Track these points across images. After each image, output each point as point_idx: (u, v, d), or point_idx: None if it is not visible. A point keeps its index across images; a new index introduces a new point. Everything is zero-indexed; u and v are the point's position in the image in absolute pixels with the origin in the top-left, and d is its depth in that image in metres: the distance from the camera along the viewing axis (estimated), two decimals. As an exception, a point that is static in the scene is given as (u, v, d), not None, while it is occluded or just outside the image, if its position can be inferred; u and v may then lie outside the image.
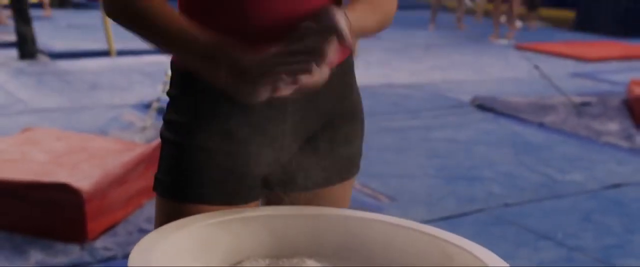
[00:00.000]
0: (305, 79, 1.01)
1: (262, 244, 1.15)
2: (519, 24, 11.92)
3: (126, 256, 2.76)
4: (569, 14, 12.88)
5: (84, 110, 5.18)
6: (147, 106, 4.99)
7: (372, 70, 7.09)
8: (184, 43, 1.10)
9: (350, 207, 1.31)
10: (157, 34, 1.12)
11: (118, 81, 6.29)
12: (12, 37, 7.48)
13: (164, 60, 6.72)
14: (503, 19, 11.61)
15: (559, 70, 7.54)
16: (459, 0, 11.25)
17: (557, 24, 12.72)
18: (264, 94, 1.03)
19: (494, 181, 3.94)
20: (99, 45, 7.79)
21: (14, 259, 2.76)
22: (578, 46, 9.67)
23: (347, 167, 1.29)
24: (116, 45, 7.62)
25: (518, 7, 11.94)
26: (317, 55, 0.99)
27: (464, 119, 5.38)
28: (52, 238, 2.89)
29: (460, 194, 3.72)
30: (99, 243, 2.90)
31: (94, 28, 9.04)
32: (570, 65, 8.13)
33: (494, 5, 10.18)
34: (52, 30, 9.10)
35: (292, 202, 1.26)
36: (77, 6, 12.23)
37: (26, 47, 7.10)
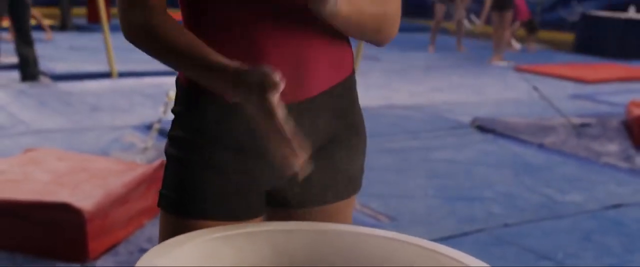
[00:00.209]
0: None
1: (264, 259, 1.16)
2: (518, 46, 11.97)
3: (127, 276, 2.77)
4: (568, 37, 12.94)
5: (85, 131, 5.20)
6: (148, 127, 5.01)
7: (372, 91, 7.12)
8: (200, 64, 1.12)
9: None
10: (173, 55, 1.14)
11: (119, 103, 6.32)
12: (14, 59, 7.52)
13: (165, 82, 6.75)
14: (513, 43, 11.68)
15: (559, 91, 7.57)
16: (458, 22, 11.31)
17: (557, 46, 12.77)
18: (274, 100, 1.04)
19: (494, 201, 3.96)
20: (101, 67, 7.82)
21: (16, 279, 2.76)
22: (577, 68, 9.71)
23: (350, 184, 1.31)
24: (117, 67, 7.66)
25: (517, 29, 12.00)
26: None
27: (464, 140, 5.40)
28: (53, 258, 2.90)
29: (460, 214, 3.73)
30: (100, 263, 2.91)
31: (95, 50, 9.09)
32: (570, 87, 8.16)
33: (494, 28, 10.23)
34: (53, 52, 9.15)
35: (295, 218, 1.28)
36: (79, 28, 12.29)
37: (28, 69, 7.13)
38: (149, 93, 6.67)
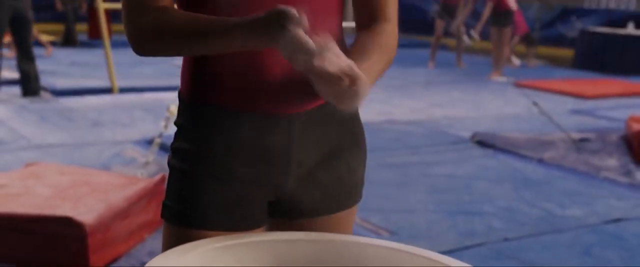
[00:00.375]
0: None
1: (266, 268, 1.17)
2: (517, 62, 12.01)
3: (128, 289, 2.78)
4: (567, 52, 12.98)
5: (86, 146, 5.21)
6: (149, 142, 5.02)
7: (372, 107, 7.14)
8: (213, 28, 1.12)
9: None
10: (188, 36, 1.13)
11: (120, 118, 6.34)
12: (15, 75, 7.55)
13: (166, 97, 6.77)
14: (513, 59, 11.71)
15: (558, 107, 7.59)
16: (458, 38, 11.34)
17: (556, 62, 12.81)
18: (299, 31, 1.03)
19: (494, 216, 3.96)
20: (102, 82, 7.85)
21: (17, 292, 2.76)
22: (577, 84, 9.74)
23: (351, 194, 1.32)
24: (118, 83, 7.68)
25: (516, 44, 12.04)
26: None
27: (464, 154, 5.41)
28: (54, 271, 2.91)
29: (461, 229, 3.74)
30: (101, 276, 2.91)
31: (96, 66, 9.12)
32: (569, 102, 8.18)
33: (493, 44, 10.26)
34: (55, 67, 9.18)
35: (297, 228, 1.29)
36: (80, 44, 12.34)
37: (29, 85, 7.15)
38: (150, 108, 6.69)
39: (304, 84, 1.20)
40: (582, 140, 5.80)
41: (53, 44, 11.45)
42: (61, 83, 7.95)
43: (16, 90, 7.29)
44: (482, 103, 8.06)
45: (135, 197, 3.22)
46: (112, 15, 11.18)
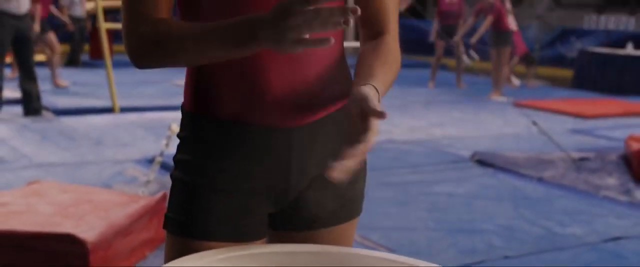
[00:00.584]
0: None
1: (268, 279, 1.19)
2: (517, 82, 12.05)
3: (130, 306, 2.78)
4: (567, 73, 13.03)
5: (87, 165, 5.23)
6: (150, 161, 5.04)
7: (372, 126, 7.16)
8: (211, 35, 1.13)
9: (353, 247, 1.35)
10: (185, 41, 1.15)
11: (122, 137, 6.36)
12: (17, 94, 7.59)
13: (167, 117, 6.79)
14: (513, 80, 11.75)
15: (558, 126, 7.61)
16: (457, 58, 11.39)
17: (556, 82, 12.86)
18: (299, 35, 1.04)
19: (494, 234, 3.97)
20: (103, 102, 7.89)
21: (18, 309, 2.77)
22: (576, 103, 9.77)
23: (352, 207, 1.34)
24: (120, 102, 7.72)
25: (515, 64, 12.08)
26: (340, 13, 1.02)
27: (464, 173, 5.43)
28: (56, 288, 2.92)
29: (461, 247, 3.75)
30: (103, 294, 2.92)
31: (97, 85, 9.16)
32: (569, 122, 8.20)
33: (492, 64, 10.31)
34: (56, 87, 9.23)
35: (297, 240, 1.31)
36: (82, 64, 12.41)
37: (31, 104, 7.19)
38: (151, 127, 6.72)
39: (305, 97, 1.23)
40: (582, 159, 5.82)
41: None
42: (63, 103, 7.99)
43: (18, 109, 7.33)
44: (482, 122, 8.09)
45: (136, 214, 3.24)
46: (113, 36, 11.25)
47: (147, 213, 3.32)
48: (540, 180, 5.26)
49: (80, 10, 11.64)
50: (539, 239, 3.93)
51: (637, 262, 3.65)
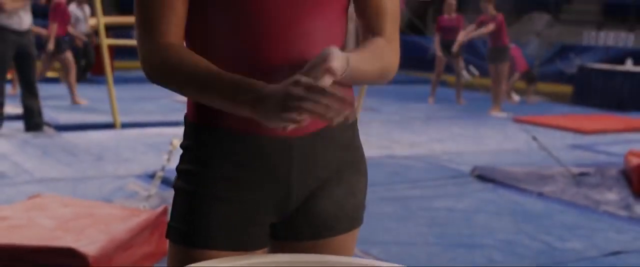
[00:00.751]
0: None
1: (269, 288, 1.20)
2: (517, 98, 12.07)
3: (130, 320, 2.79)
4: (566, 89, 13.06)
5: (88, 180, 5.25)
6: (151, 176, 5.05)
7: (372, 141, 7.18)
8: (212, 85, 1.17)
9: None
10: (190, 82, 1.20)
11: (123, 152, 6.38)
12: (18, 110, 7.61)
13: (168, 132, 6.81)
14: (513, 96, 11.79)
15: (557, 142, 7.62)
16: (457, 74, 11.43)
17: (555, 98, 12.89)
18: (288, 119, 1.09)
19: (494, 249, 3.98)
20: (104, 118, 7.91)
21: (19, 323, 2.77)
22: (575, 119, 9.79)
23: (352, 218, 1.36)
24: (121, 118, 7.74)
25: (516, 80, 12.12)
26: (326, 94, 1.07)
27: (464, 188, 5.44)
28: (57, 302, 2.92)
29: (461, 261, 3.75)
30: (104, 307, 2.92)
31: (99, 101, 9.19)
32: (568, 138, 8.22)
33: (492, 80, 10.34)
34: (57, 103, 9.26)
35: (299, 250, 1.32)
36: (84, 80, 12.44)
37: (33, 120, 7.21)
38: (152, 143, 6.73)
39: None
40: (582, 174, 5.83)
41: (58, 80, 11.56)
42: (64, 118, 8.01)
43: (19, 125, 7.34)
44: (481, 138, 8.11)
45: (137, 228, 3.24)
46: (114, 52, 11.28)
47: (148, 227, 3.32)
48: (540, 195, 5.27)
49: (85, 27, 11.69)
50: (539, 254, 3.94)
51: (637, 276, 3.66)
